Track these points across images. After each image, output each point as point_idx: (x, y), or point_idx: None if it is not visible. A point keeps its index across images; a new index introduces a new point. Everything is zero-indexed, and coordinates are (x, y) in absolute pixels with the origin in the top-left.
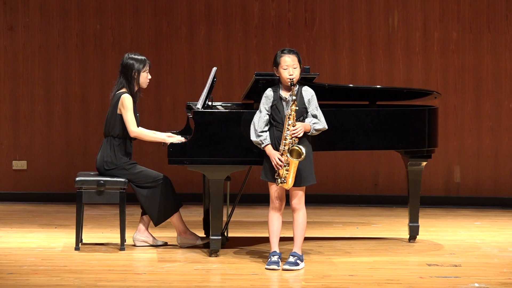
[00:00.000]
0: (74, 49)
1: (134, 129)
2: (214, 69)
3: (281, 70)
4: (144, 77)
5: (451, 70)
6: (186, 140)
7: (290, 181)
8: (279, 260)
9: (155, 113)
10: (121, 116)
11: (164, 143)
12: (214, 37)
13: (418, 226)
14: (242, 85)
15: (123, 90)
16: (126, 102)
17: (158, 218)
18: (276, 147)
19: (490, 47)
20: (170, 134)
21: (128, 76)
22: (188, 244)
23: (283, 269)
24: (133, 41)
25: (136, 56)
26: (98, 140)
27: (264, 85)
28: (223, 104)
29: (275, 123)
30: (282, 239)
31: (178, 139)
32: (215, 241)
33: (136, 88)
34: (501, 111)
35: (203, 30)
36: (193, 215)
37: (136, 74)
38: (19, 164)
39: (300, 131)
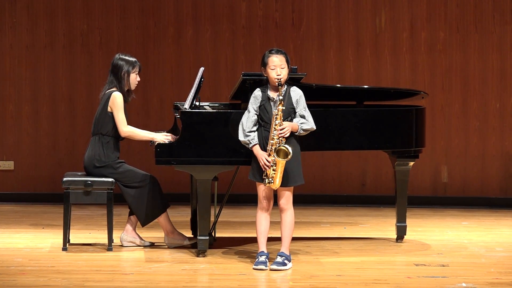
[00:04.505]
0: (61, 50)
1: (126, 129)
2: (202, 69)
3: (269, 70)
4: (133, 79)
5: (438, 70)
6: (174, 138)
7: (278, 181)
8: (267, 260)
9: (143, 113)
10: (111, 114)
11: (152, 142)
12: (202, 37)
13: (405, 226)
14: (230, 85)
15: (114, 89)
16: (118, 101)
17: (145, 218)
18: (264, 147)
19: (477, 47)
20: (164, 133)
21: (118, 76)
22: (176, 244)
23: (271, 269)
24: (120, 42)
25: (126, 57)
26: (86, 141)
27: (251, 85)
28: (210, 104)
29: (263, 123)
30: (270, 239)
31: (165, 136)
32: (202, 241)
33: (126, 88)
34: (488, 111)
35: (191, 30)
36: (181, 215)
37: (126, 75)
38: (6, 165)
39: (287, 131)
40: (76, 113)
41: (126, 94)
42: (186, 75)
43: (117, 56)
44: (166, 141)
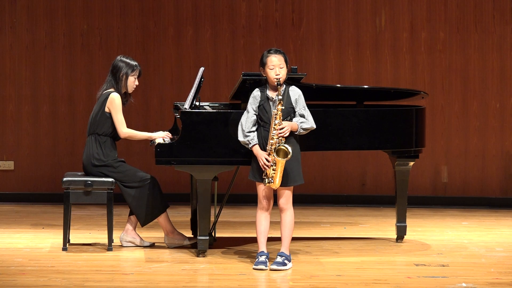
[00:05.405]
0: (61, 50)
1: (125, 130)
2: (202, 69)
3: (268, 70)
4: (131, 82)
5: (438, 70)
6: (173, 138)
7: (278, 180)
8: (267, 260)
9: (143, 113)
10: (109, 114)
11: (152, 142)
12: (202, 37)
13: (405, 226)
14: (230, 85)
15: (112, 89)
16: (116, 102)
17: (145, 218)
18: (263, 147)
19: (477, 47)
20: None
21: (116, 77)
22: (176, 244)
23: (271, 269)
24: (120, 42)
25: (127, 60)
26: (85, 141)
27: (251, 85)
28: (210, 104)
29: (263, 123)
30: (270, 239)
31: (163, 133)
32: (202, 241)
33: (123, 90)
34: (488, 111)
35: (191, 30)
36: (181, 215)
37: (124, 76)
38: (6, 165)
39: (286, 131)
40: (76, 113)
41: (123, 97)
42: (186, 75)
43: (118, 57)
44: (166, 139)
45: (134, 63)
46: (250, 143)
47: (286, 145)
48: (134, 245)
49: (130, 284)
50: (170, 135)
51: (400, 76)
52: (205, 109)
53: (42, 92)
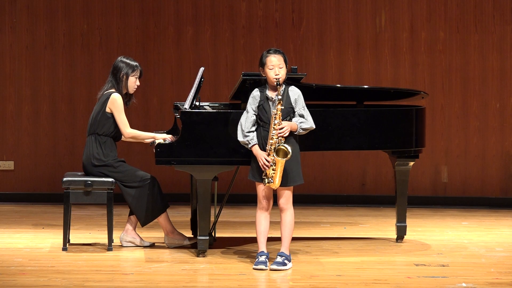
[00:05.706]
0: (61, 50)
1: (129, 131)
2: (202, 69)
3: (267, 70)
4: (132, 82)
5: (438, 70)
6: (173, 139)
7: (277, 180)
8: (267, 260)
9: (142, 113)
10: (110, 114)
11: (152, 142)
12: (202, 37)
13: (405, 226)
14: (230, 85)
15: (113, 90)
16: (118, 102)
17: (145, 218)
18: (263, 147)
19: (477, 47)
20: (164, 134)
21: (116, 78)
22: (176, 244)
23: (271, 269)
24: (120, 42)
25: (127, 60)
26: (85, 141)
27: (251, 85)
28: (210, 104)
29: (262, 123)
30: (270, 239)
31: (163, 136)
32: (202, 241)
33: (124, 91)
34: (488, 111)
35: (191, 30)
36: (181, 215)
37: (124, 77)
38: (6, 165)
39: (286, 131)
40: (76, 113)
41: (125, 97)
42: (186, 75)
43: (119, 58)
44: (166, 140)
45: (134, 63)
46: (250, 143)
47: (285, 145)
48: (134, 245)
49: (130, 284)
50: (174, 138)
51: (400, 76)
52: (205, 109)
53: (42, 92)
